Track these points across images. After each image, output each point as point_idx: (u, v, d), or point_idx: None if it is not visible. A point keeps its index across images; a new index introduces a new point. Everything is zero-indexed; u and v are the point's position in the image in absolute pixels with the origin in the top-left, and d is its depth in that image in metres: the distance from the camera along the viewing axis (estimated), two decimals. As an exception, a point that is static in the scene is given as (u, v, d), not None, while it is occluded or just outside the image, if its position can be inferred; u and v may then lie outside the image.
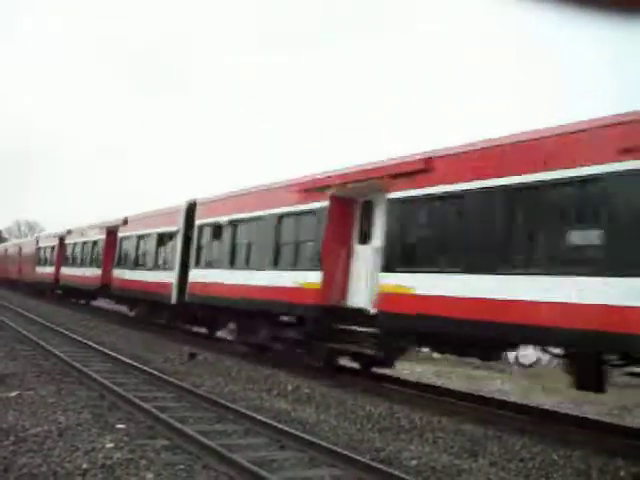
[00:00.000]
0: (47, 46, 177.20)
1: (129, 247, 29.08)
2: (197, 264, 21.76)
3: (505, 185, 11.03)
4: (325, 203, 15.25)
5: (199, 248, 21.86)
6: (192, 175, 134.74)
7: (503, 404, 13.10)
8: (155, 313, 26.49)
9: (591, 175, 9.70)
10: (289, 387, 13.74)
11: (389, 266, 13.15)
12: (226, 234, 19.91)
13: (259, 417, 10.10)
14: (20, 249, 55.05)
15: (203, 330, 24.48)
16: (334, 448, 8.44)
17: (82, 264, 36.15)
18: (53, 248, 43.48)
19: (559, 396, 15.91)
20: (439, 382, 15.24)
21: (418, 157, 13.05)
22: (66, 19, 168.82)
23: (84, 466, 7.15)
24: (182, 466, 7.54)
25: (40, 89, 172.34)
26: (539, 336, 10.51)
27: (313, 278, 15.00)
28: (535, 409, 12.83)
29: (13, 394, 11.11)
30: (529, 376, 18.16)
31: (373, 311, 13.54)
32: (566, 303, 9.65)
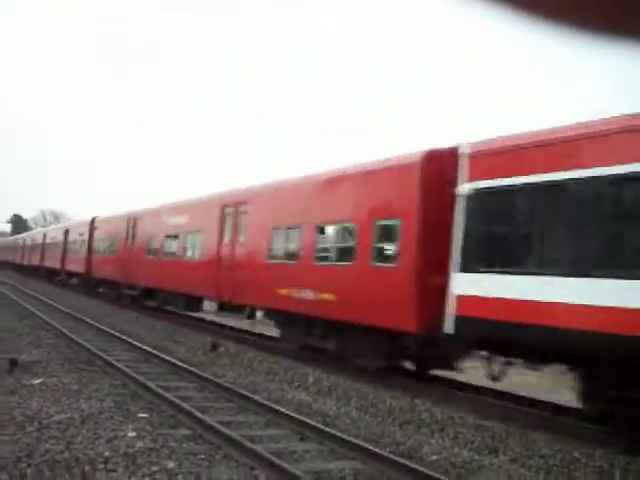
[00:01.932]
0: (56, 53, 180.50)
1: None
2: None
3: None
4: None
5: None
6: (192, 175, 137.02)
7: (526, 400, 13.00)
8: None
9: None
10: (310, 379, 13.76)
11: None
12: None
13: (280, 408, 10.12)
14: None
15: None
16: (355, 441, 8.44)
17: None
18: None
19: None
20: (462, 377, 15.13)
21: None
22: (65, 19, 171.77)
23: (106, 454, 7.21)
24: (203, 456, 7.59)
25: (50, 88, 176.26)
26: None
27: None
28: (558, 406, 12.71)
29: (37, 381, 11.23)
30: (556, 372, 17.98)
31: None
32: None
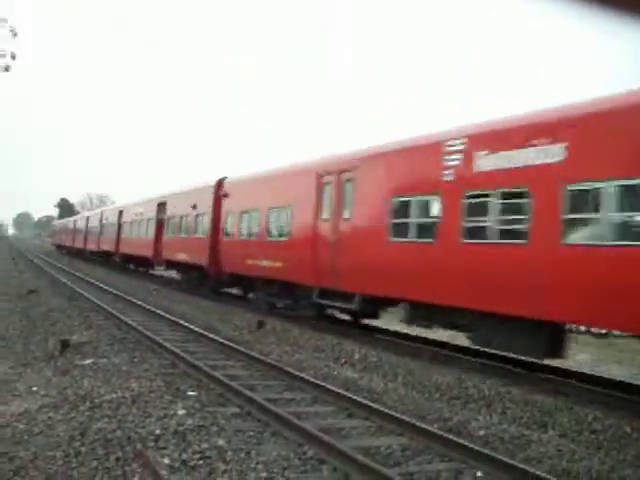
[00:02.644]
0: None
1: None
2: None
3: None
4: None
5: None
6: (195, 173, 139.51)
7: (575, 375, 12.86)
8: None
9: None
10: (356, 356, 13.79)
11: None
12: None
13: (327, 385, 10.18)
14: None
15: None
16: (402, 417, 8.45)
17: None
18: None
19: (633, 367, 15.55)
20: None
21: None
22: (66, 19, 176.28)
23: (157, 432, 7.34)
24: (252, 433, 7.69)
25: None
26: None
27: None
28: (608, 380, 12.56)
29: (88, 361, 11.45)
30: (601, 346, 17.84)
31: None
32: None
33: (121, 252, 41.59)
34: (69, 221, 77.10)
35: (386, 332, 18.02)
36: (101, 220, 50.09)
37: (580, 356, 15.65)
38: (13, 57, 11.84)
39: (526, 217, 11.53)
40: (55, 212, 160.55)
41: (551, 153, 11.16)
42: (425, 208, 14.27)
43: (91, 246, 53.48)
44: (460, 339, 15.33)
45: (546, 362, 12.87)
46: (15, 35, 11.87)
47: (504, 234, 12.04)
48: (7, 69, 12.06)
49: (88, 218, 58.18)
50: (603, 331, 11.22)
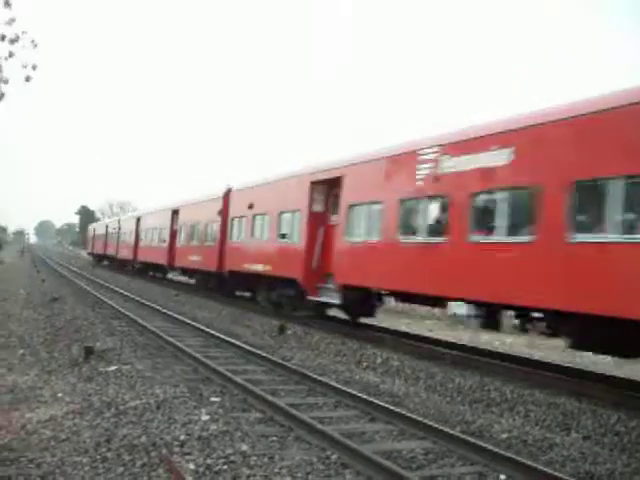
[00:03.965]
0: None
1: None
2: None
3: None
4: None
5: None
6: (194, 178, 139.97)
7: (599, 377, 12.80)
8: None
9: None
10: (378, 360, 13.81)
11: None
12: None
13: (349, 390, 10.22)
14: None
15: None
16: (424, 421, 8.47)
17: None
18: None
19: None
20: (534, 354, 15.00)
21: None
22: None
23: (182, 437, 7.41)
24: (275, 438, 7.74)
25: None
26: None
27: None
28: (629, 381, 12.48)
29: (112, 368, 11.55)
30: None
31: None
32: None
33: (346, 282, 17.38)
34: (128, 219, 50.53)
35: (407, 335, 18.02)
36: (224, 209, 26.82)
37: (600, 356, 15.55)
38: (34, 68, 12.01)
39: None
40: (76, 219, 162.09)
41: None
42: None
43: (191, 259, 31.03)
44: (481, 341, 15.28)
45: (566, 363, 12.80)
46: (36, 46, 12.04)
47: None
48: (27, 79, 12.23)
49: (176, 212, 34.37)
50: None
